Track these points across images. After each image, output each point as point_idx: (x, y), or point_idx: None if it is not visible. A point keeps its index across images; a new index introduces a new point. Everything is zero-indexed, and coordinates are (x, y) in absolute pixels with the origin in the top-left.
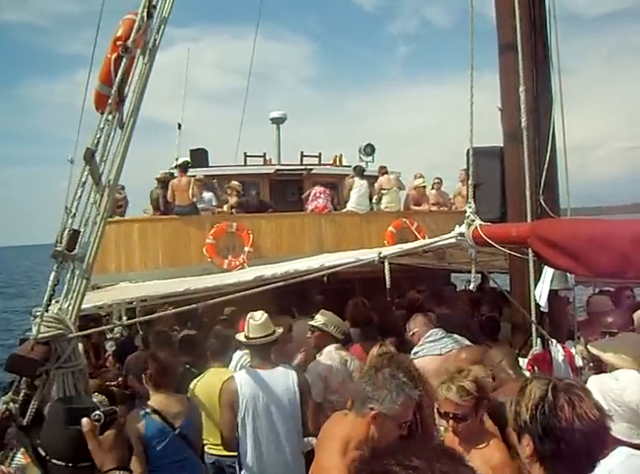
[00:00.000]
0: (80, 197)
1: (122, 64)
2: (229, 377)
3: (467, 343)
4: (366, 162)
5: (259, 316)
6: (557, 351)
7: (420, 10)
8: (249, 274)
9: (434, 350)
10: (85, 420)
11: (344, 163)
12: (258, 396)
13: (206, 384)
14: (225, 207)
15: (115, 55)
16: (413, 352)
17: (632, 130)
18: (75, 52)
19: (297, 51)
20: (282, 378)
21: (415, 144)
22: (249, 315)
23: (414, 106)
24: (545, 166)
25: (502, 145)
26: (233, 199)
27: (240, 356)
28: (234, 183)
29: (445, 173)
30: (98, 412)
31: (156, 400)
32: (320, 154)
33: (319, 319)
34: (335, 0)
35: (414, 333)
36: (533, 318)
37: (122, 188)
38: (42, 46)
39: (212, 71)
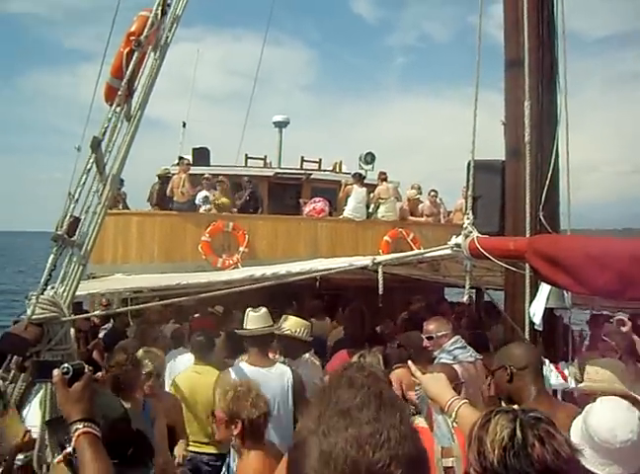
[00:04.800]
0: (84, 183)
1: (134, 59)
2: (225, 371)
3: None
4: (366, 170)
5: (259, 309)
6: (550, 371)
7: (419, 24)
8: (240, 273)
9: (467, 356)
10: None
11: (343, 170)
12: None
13: (187, 378)
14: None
15: (127, 50)
16: (447, 357)
17: (626, 155)
18: (80, 47)
19: (296, 57)
20: (278, 377)
21: (408, 155)
22: (248, 309)
23: (409, 117)
24: (547, 182)
25: (503, 159)
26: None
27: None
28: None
29: (438, 186)
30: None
31: None
32: (320, 160)
33: (286, 326)
34: (335, 9)
35: (437, 335)
36: (527, 336)
37: (122, 181)
38: (50, 39)
39: (213, 72)
